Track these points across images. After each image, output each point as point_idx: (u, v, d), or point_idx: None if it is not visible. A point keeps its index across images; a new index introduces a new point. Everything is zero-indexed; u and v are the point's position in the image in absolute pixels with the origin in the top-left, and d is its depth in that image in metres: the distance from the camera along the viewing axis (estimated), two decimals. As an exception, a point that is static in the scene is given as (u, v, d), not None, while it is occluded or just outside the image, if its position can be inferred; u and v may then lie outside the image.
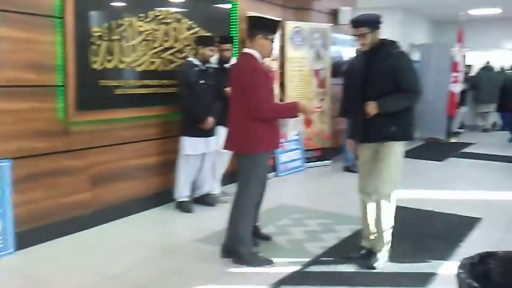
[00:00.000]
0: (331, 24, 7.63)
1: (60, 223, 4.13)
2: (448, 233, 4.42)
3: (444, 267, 3.63)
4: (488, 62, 11.93)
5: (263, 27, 3.54)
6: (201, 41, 4.92)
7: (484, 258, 1.96)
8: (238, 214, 3.65)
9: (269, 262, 3.64)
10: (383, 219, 3.58)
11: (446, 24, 13.32)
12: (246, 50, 3.63)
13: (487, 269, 1.95)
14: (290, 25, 6.89)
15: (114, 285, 3.31)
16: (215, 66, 5.12)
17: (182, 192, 4.97)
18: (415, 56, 10.76)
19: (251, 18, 3.71)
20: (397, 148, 3.54)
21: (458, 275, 1.81)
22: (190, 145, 4.87)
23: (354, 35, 3.57)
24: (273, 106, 3.58)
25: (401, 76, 3.44)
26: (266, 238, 4.12)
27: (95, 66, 4.30)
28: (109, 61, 4.42)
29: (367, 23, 3.48)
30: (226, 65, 5.15)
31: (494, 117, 12.27)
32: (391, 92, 3.44)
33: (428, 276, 3.46)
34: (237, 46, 5.75)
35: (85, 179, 4.33)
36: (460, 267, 1.86)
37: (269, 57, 3.86)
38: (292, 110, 3.60)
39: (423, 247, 4.04)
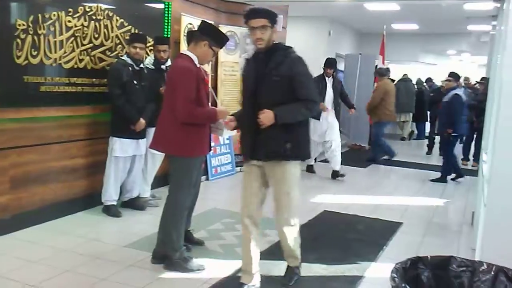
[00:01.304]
0: (264, 30, 7.72)
1: (-25, 228, 3.85)
2: (372, 236, 4.61)
3: (371, 270, 3.78)
4: (405, 75, 12.64)
5: (212, 36, 3.51)
6: (129, 39, 4.84)
7: (415, 262, 2.08)
8: (170, 218, 3.58)
9: (201, 267, 3.60)
10: (291, 243, 3.32)
11: (370, 36, 13.95)
12: (184, 51, 3.60)
13: (418, 273, 2.06)
14: (224, 29, 6.88)
15: (37, 294, 3.13)
16: (151, 67, 5.01)
17: (111, 195, 4.79)
18: (341, 65, 11.17)
19: (204, 23, 3.67)
20: (294, 168, 3.16)
21: (392, 279, 1.89)
22: (120, 146, 4.71)
23: (251, 28, 3.04)
24: (191, 112, 3.40)
25: (299, 84, 3.03)
26: (198, 243, 4.08)
27: (18, 61, 4.05)
28: (34, 56, 4.18)
29: (269, 14, 3.05)
30: (162, 66, 5.05)
31: (411, 127, 13.03)
32: (286, 101, 3.04)
33: (356, 279, 3.59)
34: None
35: (5, 181, 4.05)
36: (393, 271, 1.96)
37: (205, 64, 3.85)
38: (210, 117, 3.52)
39: (350, 250, 4.18)
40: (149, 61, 5.04)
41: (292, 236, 3.31)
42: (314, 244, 4.28)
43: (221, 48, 3.64)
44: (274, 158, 3.09)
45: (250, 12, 3.08)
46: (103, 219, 4.72)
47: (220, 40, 3.57)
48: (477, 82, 9.69)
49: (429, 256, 2.14)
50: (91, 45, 4.76)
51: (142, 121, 4.74)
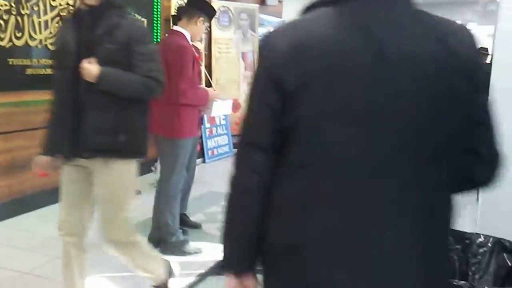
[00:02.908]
0: (259, 5, 7.53)
1: (-36, 217, 3.75)
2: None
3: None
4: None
5: (204, 11, 3.45)
6: None
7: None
8: (163, 202, 3.49)
9: (198, 250, 3.54)
10: (136, 261, 2.60)
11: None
12: (177, 28, 3.47)
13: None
14: (217, 5, 6.70)
15: (29, 279, 3.11)
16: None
17: (104, 180, 4.69)
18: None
19: None
20: (128, 168, 2.37)
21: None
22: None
23: None
24: (195, 93, 3.40)
25: (139, 56, 2.23)
26: (195, 226, 4.00)
27: (2, 43, 3.93)
28: (18, 38, 4.06)
29: None
30: None
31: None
32: None
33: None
34: (159, 24, 5.51)
35: (-7, 168, 3.95)
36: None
37: (198, 41, 3.78)
38: (207, 98, 3.52)
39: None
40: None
41: (133, 253, 2.57)
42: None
43: (210, 20, 3.57)
44: (102, 154, 2.27)
45: None
46: (97, 204, 4.63)
47: (211, 13, 3.53)
48: None
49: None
50: (78, 24, 4.61)
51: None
